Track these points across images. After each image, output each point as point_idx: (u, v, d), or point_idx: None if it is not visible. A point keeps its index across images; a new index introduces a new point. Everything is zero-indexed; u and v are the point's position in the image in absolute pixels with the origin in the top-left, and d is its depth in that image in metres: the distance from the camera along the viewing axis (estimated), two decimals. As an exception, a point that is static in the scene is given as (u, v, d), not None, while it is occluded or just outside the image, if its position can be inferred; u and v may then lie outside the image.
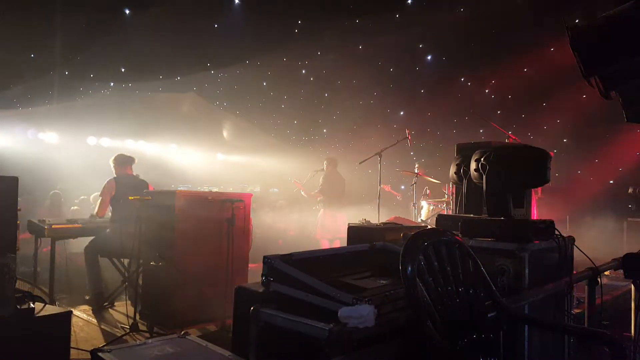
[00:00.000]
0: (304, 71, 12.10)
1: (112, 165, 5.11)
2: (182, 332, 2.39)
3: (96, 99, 9.61)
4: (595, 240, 6.57)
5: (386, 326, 1.91)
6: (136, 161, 5.25)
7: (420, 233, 2.02)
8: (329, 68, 11.66)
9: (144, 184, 5.10)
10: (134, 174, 5.25)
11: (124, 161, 5.11)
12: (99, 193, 5.04)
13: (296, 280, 2.07)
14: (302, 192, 8.52)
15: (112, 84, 10.04)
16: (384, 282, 2.24)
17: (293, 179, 8.97)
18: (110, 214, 4.99)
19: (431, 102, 11.33)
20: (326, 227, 7.12)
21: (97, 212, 4.94)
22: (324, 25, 10.09)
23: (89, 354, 2.27)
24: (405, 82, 11.55)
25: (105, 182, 4.95)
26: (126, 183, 4.94)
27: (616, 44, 1.88)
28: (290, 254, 2.32)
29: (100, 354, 2.07)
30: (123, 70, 9.87)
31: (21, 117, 9.01)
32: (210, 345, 2.25)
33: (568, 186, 9.42)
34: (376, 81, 11.57)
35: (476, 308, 2.00)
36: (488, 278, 2.10)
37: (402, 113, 12.05)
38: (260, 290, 2.25)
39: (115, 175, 5.05)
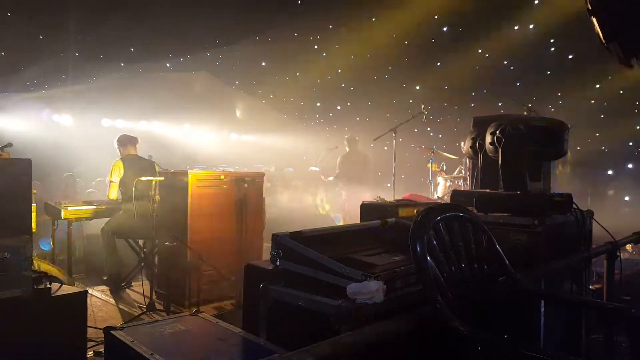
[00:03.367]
0: (316, 46, 11.87)
1: (116, 146, 5.12)
2: (194, 310, 2.41)
3: (108, 81, 9.61)
4: (618, 214, 6.40)
5: (397, 302, 1.88)
6: (139, 141, 5.22)
7: (431, 208, 1.96)
8: (342, 42, 11.41)
9: (151, 164, 5.04)
10: (148, 155, 5.24)
11: (127, 141, 5.10)
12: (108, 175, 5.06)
13: (305, 257, 2.05)
14: (323, 178, 8.44)
15: (122, 64, 10.01)
16: (395, 258, 2.20)
17: (311, 166, 8.88)
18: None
19: (448, 76, 11.03)
20: (350, 210, 6.99)
21: (108, 194, 4.97)
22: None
23: (103, 332, 2.30)
24: (420, 55, 11.22)
25: (112, 163, 4.96)
26: (133, 164, 4.93)
27: (638, 5, 1.76)
28: (300, 231, 2.29)
29: (112, 331, 2.10)
30: (132, 50, 9.80)
31: (35, 100, 9.09)
32: (221, 322, 2.27)
33: (590, 159, 9.16)
34: (390, 55, 11.29)
35: (490, 284, 1.96)
36: (502, 253, 2.04)
37: (417, 87, 11.77)
38: (270, 267, 2.24)
39: (121, 157, 5.05)
